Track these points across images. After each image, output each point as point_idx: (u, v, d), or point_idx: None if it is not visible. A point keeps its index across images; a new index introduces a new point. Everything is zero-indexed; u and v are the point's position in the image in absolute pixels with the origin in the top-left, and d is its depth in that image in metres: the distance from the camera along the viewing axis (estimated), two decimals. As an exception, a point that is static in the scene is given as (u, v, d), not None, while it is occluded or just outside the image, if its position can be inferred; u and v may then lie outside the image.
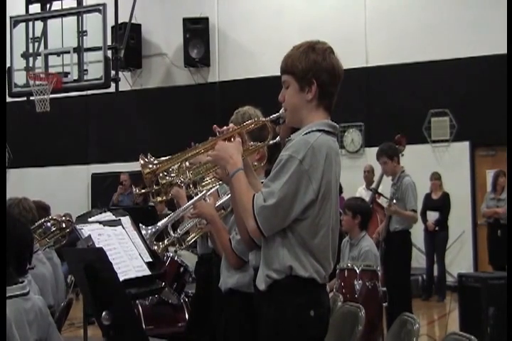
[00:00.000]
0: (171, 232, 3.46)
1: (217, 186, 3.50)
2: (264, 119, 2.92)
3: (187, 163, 2.92)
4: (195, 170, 2.99)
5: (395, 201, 6.85)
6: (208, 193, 3.50)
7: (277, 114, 2.84)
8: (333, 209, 2.69)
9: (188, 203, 3.52)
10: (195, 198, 3.45)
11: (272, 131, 2.94)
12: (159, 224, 3.39)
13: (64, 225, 4.81)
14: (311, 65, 2.69)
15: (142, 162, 2.96)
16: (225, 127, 2.88)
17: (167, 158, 2.96)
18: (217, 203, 3.62)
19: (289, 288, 2.61)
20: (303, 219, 2.60)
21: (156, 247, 3.43)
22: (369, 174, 10.29)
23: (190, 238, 3.73)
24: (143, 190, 3.36)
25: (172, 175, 2.98)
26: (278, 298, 2.63)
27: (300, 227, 2.61)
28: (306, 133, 2.66)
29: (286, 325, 2.60)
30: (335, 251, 2.73)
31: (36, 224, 4.59)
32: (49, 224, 4.73)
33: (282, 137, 3.07)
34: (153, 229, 3.36)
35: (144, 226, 3.37)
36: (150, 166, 2.95)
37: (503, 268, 9.47)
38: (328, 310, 2.74)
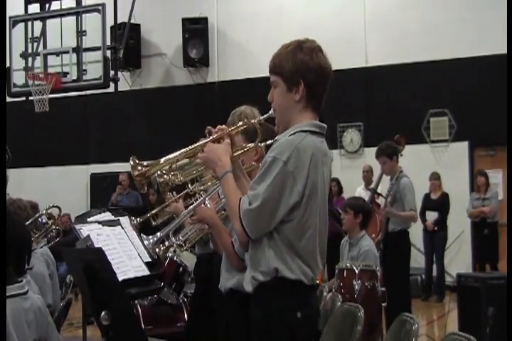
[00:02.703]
0: (173, 239, 3.46)
1: (218, 188, 3.52)
2: (253, 121, 2.94)
3: (178, 164, 2.93)
4: (185, 172, 3.01)
5: (389, 199, 6.85)
6: (208, 197, 3.51)
7: (266, 114, 2.85)
8: (321, 211, 2.68)
9: (188, 209, 3.52)
10: (195, 203, 3.46)
11: (260, 131, 2.95)
12: (159, 234, 3.39)
13: (56, 217, 4.82)
14: (298, 65, 2.66)
15: (132, 163, 2.96)
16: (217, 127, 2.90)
17: (157, 160, 2.98)
18: (218, 206, 3.63)
19: (276, 289, 2.61)
20: (289, 221, 2.60)
21: (157, 249, 3.43)
22: (368, 174, 10.29)
23: (190, 240, 3.73)
24: (141, 219, 3.38)
25: (164, 176, 2.99)
26: (265, 300, 2.63)
27: (286, 229, 2.60)
28: (292, 134, 2.65)
29: (273, 326, 2.60)
30: (323, 253, 2.72)
31: (30, 220, 4.58)
32: (44, 220, 4.74)
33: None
34: (155, 239, 3.36)
35: (145, 236, 3.37)
36: (139, 168, 2.96)
37: (494, 268, 9.55)
38: (317, 311, 2.75)
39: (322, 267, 2.73)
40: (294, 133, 2.65)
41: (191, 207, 3.49)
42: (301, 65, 2.66)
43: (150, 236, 3.37)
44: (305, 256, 2.61)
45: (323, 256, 2.73)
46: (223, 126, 2.93)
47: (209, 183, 3.50)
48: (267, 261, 2.60)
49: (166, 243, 3.48)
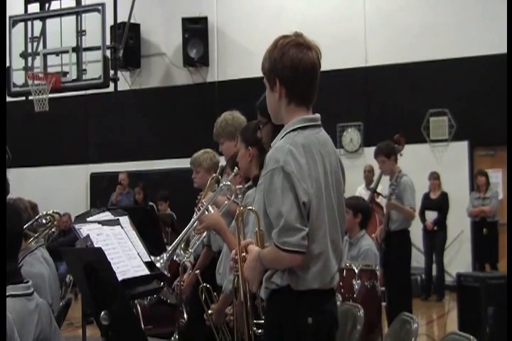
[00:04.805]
0: (182, 252, 3.49)
1: (217, 194, 3.55)
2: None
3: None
4: None
5: (394, 197, 6.83)
6: (210, 203, 3.53)
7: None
8: (329, 206, 2.63)
9: (192, 221, 3.55)
10: (199, 213, 3.48)
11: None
12: (165, 254, 3.42)
13: (54, 218, 4.81)
14: (272, 64, 2.65)
15: None
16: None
17: None
18: (222, 210, 3.65)
19: (287, 296, 2.59)
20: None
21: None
22: (369, 174, 10.29)
23: (193, 241, 3.76)
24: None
25: None
26: (276, 306, 2.62)
27: None
28: (282, 137, 2.64)
29: (282, 332, 2.58)
30: (338, 250, 2.67)
31: (31, 221, 4.57)
32: (44, 220, 4.73)
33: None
34: (165, 258, 3.39)
35: (154, 258, 3.38)
36: None
37: (493, 268, 9.56)
38: (332, 316, 2.67)
39: (338, 265, 2.67)
40: (283, 137, 2.64)
41: (195, 217, 3.52)
42: (274, 63, 2.64)
43: (158, 258, 3.39)
44: (318, 258, 2.57)
45: (338, 254, 2.67)
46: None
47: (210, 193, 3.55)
48: (279, 273, 2.59)
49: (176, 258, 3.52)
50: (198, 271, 3.91)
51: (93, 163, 13.47)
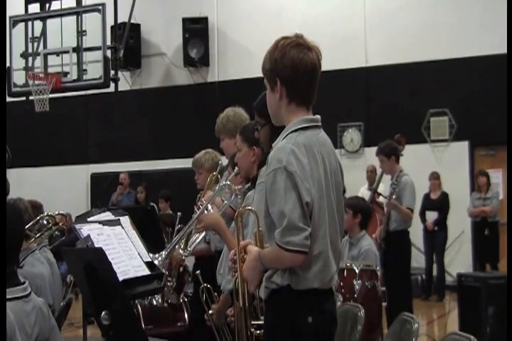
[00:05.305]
0: (181, 251, 3.49)
1: (217, 193, 3.56)
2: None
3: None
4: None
5: (394, 196, 6.83)
6: (209, 202, 3.54)
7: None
8: (329, 206, 2.63)
9: (192, 219, 3.55)
10: (198, 212, 3.48)
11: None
12: (164, 252, 3.42)
13: (58, 220, 4.80)
14: (273, 64, 2.66)
15: None
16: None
17: None
18: (221, 210, 3.65)
19: (287, 296, 2.59)
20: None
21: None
22: (372, 174, 10.29)
23: (192, 240, 3.76)
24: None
25: None
26: (277, 305, 2.62)
27: None
28: (284, 138, 2.64)
29: (282, 331, 2.59)
30: (336, 251, 2.67)
31: (32, 222, 4.57)
32: (44, 221, 4.72)
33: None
34: (163, 256, 3.40)
35: (152, 255, 3.38)
36: None
37: (494, 268, 9.56)
38: (331, 315, 2.68)
39: (337, 265, 2.68)
40: (285, 137, 2.65)
41: (194, 216, 3.52)
42: (275, 63, 2.66)
43: (156, 255, 3.39)
44: (318, 258, 2.57)
45: (337, 255, 2.68)
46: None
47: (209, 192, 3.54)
48: (279, 273, 2.59)
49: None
50: (198, 272, 3.90)
51: (93, 163, 13.48)
